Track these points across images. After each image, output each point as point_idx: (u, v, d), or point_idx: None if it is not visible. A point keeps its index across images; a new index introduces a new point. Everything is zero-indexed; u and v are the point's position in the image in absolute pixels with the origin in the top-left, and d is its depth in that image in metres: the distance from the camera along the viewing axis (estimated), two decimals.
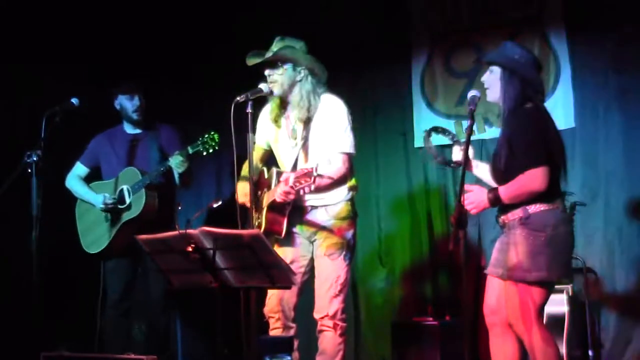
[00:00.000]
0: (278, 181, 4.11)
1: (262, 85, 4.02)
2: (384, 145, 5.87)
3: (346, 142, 4.19)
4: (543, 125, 3.62)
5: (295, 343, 4.24)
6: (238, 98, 3.88)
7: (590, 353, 4.90)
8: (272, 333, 4.27)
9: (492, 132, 5.38)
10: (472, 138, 3.73)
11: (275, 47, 4.19)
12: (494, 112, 5.29)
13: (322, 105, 4.21)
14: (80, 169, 5.09)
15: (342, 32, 5.71)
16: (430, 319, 5.10)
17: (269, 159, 4.49)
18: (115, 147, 5.02)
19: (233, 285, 3.50)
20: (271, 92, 4.16)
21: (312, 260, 4.28)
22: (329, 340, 4.17)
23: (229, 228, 3.41)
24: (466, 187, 3.60)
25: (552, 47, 5.32)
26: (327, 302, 4.15)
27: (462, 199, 3.37)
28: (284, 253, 4.19)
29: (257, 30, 5.80)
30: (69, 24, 5.83)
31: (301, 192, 3.83)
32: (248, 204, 3.96)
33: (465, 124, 5.50)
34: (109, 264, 4.95)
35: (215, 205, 3.94)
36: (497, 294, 3.71)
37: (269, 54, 4.16)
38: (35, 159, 4.07)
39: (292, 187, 3.75)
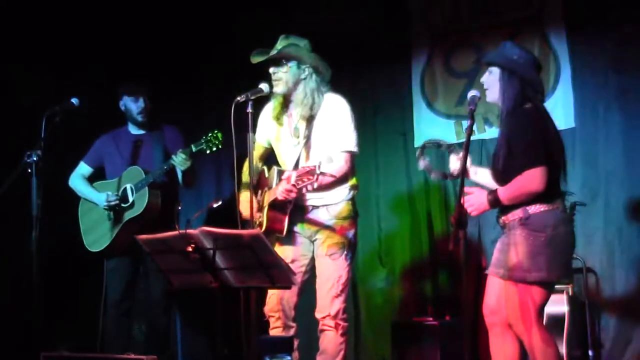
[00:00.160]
0: (279, 180, 4.11)
1: (262, 85, 4.02)
2: (384, 145, 5.88)
3: (349, 140, 4.19)
4: (542, 125, 3.62)
5: (296, 342, 4.24)
6: (238, 98, 3.88)
7: (590, 353, 4.90)
8: (272, 332, 4.27)
9: (492, 132, 5.38)
10: (472, 138, 3.73)
11: (279, 45, 4.19)
12: (494, 112, 5.29)
13: (326, 103, 4.21)
14: (83, 168, 5.10)
15: (342, 32, 5.71)
16: (430, 319, 5.10)
17: (269, 157, 4.49)
18: (120, 147, 5.03)
19: (233, 285, 3.50)
20: (271, 92, 4.15)
21: (312, 259, 4.28)
22: (330, 339, 4.17)
23: (229, 228, 3.41)
24: (466, 189, 3.60)
25: (552, 47, 5.32)
26: (329, 302, 4.15)
27: (462, 199, 3.37)
28: (285, 252, 4.19)
29: (257, 30, 5.82)
30: (70, 24, 5.83)
31: (303, 190, 3.83)
32: (250, 217, 3.96)
33: (465, 124, 5.50)
34: (111, 263, 4.96)
35: (215, 205, 3.94)
36: (497, 293, 3.71)
37: (273, 52, 4.16)
38: (35, 159, 4.06)
39: (294, 185, 3.75)
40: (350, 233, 4.25)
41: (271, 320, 4.29)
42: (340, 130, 4.17)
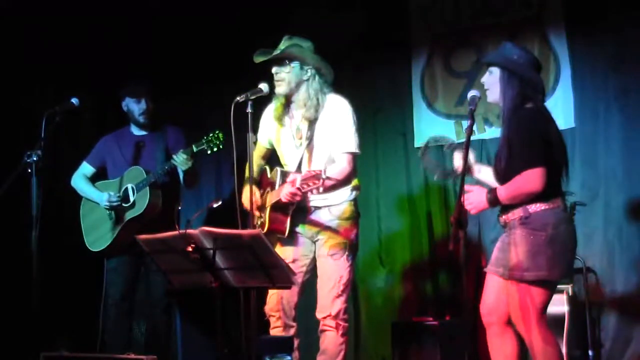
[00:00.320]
0: (283, 181, 4.11)
1: (262, 85, 4.02)
2: (384, 145, 5.88)
3: (352, 141, 4.19)
4: (542, 125, 3.62)
5: (296, 342, 4.25)
6: (238, 98, 3.89)
7: (590, 353, 4.91)
8: (272, 332, 4.28)
9: (492, 132, 5.38)
10: (472, 138, 3.73)
11: (283, 45, 4.20)
12: (494, 112, 5.29)
13: (328, 105, 4.21)
14: (86, 168, 5.11)
15: (342, 32, 5.71)
16: (430, 318, 5.10)
17: (271, 157, 4.49)
18: (122, 148, 5.04)
19: (233, 285, 3.50)
20: (273, 93, 4.15)
21: (314, 259, 4.28)
22: (331, 340, 4.17)
23: (229, 228, 3.41)
24: (466, 187, 3.60)
25: (552, 47, 5.32)
26: (330, 302, 4.15)
27: (462, 199, 3.37)
28: (286, 252, 4.20)
29: (258, 30, 5.82)
30: (70, 24, 5.83)
31: (308, 194, 3.84)
32: (250, 210, 3.96)
33: (465, 124, 5.50)
34: (111, 262, 4.96)
35: (215, 205, 3.94)
36: (496, 292, 3.71)
37: (276, 52, 4.17)
38: (35, 159, 4.06)
39: (298, 188, 3.75)
40: (352, 234, 4.25)
41: (271, 319, 4.29)
42: (343, 131, 4.17)
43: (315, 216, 4.23)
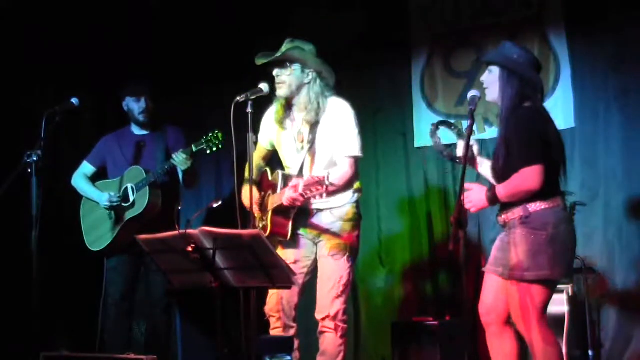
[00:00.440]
0: (285, 184, 4.11)
1: (262, 85, 4.01)
2: (384, 145, 5.88)
3: (353, 145, 4.19)
4: (540, 125, 3.62)
5: (296, 343, 4.24)
6: (238, 98, 3.89)
7: (590, 353, 4.90)
8: (272, 332, 4.28)
9: (492, 132, 5.37)
10: (473, 138, 3.73)
11: (284, 47, 4.20)
12: (493, 112, 5.28)
13: (330, 108, 4.21)
14: (86, 167, 5.11)
15: (342, 32, 5.71)
16: (430, 319, 5.10)
17: (271, 158, 4.49)
18: (123, 147, 5.05)
19: (233, 285, 3.50)
20: (273, 95, 4.15)
21: (315, 261, 4.28)
22: (330, 341, 4.17)
23: (229, 228, 3.41)
24: (466, 185, 3.60)
25: (552, 47, 5.31)
26: (329, 303, 4.15)
27: (462, 199, 3.37)
28: (287, 253, 4.20)
29: (258, 30, 5.83)
30: (70, 24, 5.83)
31: (311, 200, 3.84)
32: (253, 209, 3.96)
33: (466, 124, 5.48)
34: (111, 262, 4.96)
35: (215, 205, 3.94)
36: (494, 292, 3.71)
37: (277, 54, 4.17)
38: (35, 159, 4.07)
39: (301, 194, 3.75)
40: (353, 235, 4.25)
41: (272, 320, 4.29)
42: (345, 135, 4.18)
43: (317, 219, 4.23)
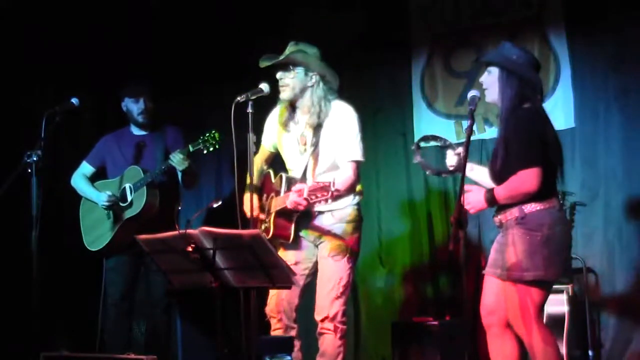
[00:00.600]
0: (288, 188, 4.11)
1: (262, 85, 4.01)
2: (384, 145, 5.87)
3: (356, 149, 4.20)
4: (539, 126, 3.61)
5: (298, 344, 4.24)
6: (238, 98, 3.89)
7: (590, 353, 4.90)
8: (273, 333, 4.28)
9: (492, 132, 5.37)
10: (472, 138, 3.73)
11: (288, 50, 4.21)
12: (493, 112, 5.28)
13: (333, 111, 4.21)
14: (86, 168, 5.11)
15: (342, 32, 5.71)
16: (431, 319, 5.10)
17: (274, 160, 4.49)
18: (122, 148, 5.05)
19: (233, 285, 3.50)
20: (272, 96, 4.15)
21: (316, 263, 4.28)
22: (329, 342, 4.17)
23: (229, 228, 3.41)
24: (466, 187, 3.60)
25: (552, 47, 5.31)
26: (328, 304, 4.15)
27: (462, 199, 3.37)
28: (289, 255, 4.21)
29: (258, 30, 5.83)
30: (70, 24, 5.83)
31: (315, 205, 3.84)
32: (250, 215, 3.95)
33: (465, 124, 5.50)
34: (110, 262, 4.96)
35: (215, 205, 3.94)
36: (494, 293, 3.71)
37: (281, 58, 4.17)
38: (35, 159, 4.07)
39: (306, 199, 3.75)
40: (354, 237, 4.26)
41: (272, 321, 4.29)
42: (348, 139, 4.18)
43: (318, 221, 4.23)
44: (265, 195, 4.32)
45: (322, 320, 4.17)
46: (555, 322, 4.68)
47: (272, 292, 4.29)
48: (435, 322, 5.00)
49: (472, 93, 3.73)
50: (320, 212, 4.21)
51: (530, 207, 3.57)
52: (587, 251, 5.08)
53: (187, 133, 5.07)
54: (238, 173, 3.89)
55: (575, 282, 4.97)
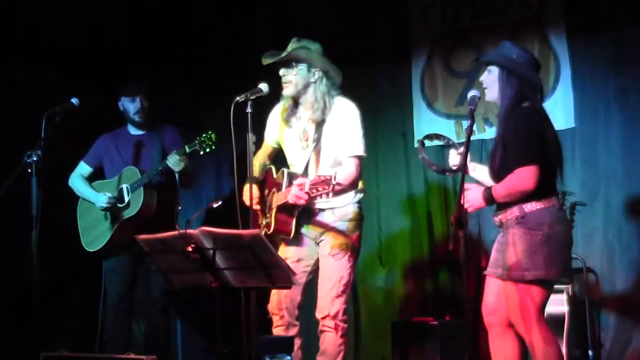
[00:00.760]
0: (290, 183, 4.12)
1: (261, 85, 4.01)
2: (384, 145, 5.87)
3: (358, 145, 4.20)
4: (539, 125, 3.61)
5: (298, 342, 4.25)
6: (238, 98, 3.89)
7: (590, 353, 4.90)
8: (275, 331, 4.29)
9: (492, 132, 5.34)
10: (472, 138, 3.73)
11: (290, 47, 4.21)
12: (493, 112, 5.27)
13: (336, 107, 4.22)
14: (83, 168, 5.11)
15: (342, 31, 5.71)
16: (431, 318, 5.10)
17: (276, 156, 4.50)
18: (119, 147, 5.05)
19: (233, 285, 3.50)
20: (273, 93, 4.15)
21: (318, 260, 4.29)
22: (330, 341, 4.17)
23: (229, 228, 3.41)
24: (465, 185, 3.60)
25: (552, 47, 5.31)
26: (329, 302, 4.15)
27: (462, 199, 3.37)
28: (290, 252, 4.23)
29: (258, 30, 5.83)
30: (70, 24, 5.83)
31: (317, 199, 3.84)
32: (250, 206, 3.96)
33: (465, 124, 5.50)
34: (110, 262, 4.97)
35: (215, 205, 3.94)
36: (496, 293, 3.71)
37: (283, 54, 4.18)
38: (35, 159, 4.07)
39: (307, 193, 3.75)
40: (354, 235, 4.26)
41: (274, 318, 4.30)
42: (350, 135, 4.19)
43: (320, 218, 4.24)
44: (267, 191, 4.32)
45: (323, 318, 4.17)
46: (555, 322, 4.67)
47: (275, 290, 4.29)
48: (436, 322, 5.00)
49: (472, 93, 3.73)
50: (321, 210, 4.22)
51: (530, 206, 3.57)
52: (587, 251, 5.08)
53: (187, 133, 5.07)
54: (238, 173, 3.89)
55: (575, 282, 4.97)
